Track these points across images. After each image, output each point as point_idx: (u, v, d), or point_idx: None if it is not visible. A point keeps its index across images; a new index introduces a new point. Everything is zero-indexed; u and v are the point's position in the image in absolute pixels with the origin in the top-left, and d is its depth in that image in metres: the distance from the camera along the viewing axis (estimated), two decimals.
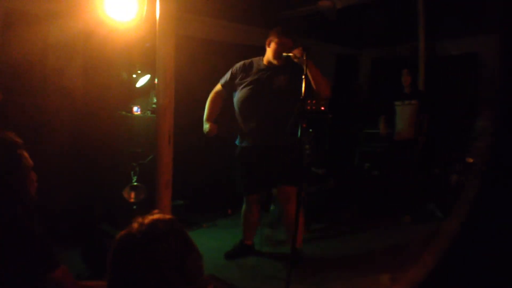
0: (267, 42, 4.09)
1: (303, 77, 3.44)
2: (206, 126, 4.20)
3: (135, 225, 1.44)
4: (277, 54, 4.00)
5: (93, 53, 4.84)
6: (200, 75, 5.46)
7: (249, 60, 4.23)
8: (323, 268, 4.16)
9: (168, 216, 1.50)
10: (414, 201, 5.64)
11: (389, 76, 6.96)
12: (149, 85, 5.37)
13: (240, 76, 4.15)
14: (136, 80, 5.37)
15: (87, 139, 4.85)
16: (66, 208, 4.52)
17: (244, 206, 4.39)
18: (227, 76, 4.24)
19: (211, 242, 4.80)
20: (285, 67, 4.04)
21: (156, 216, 1.48)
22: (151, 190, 3.55)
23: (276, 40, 4.01)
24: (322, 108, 6.43)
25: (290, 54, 3.77)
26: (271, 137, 4.04)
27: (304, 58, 3.61)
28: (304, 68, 3.54)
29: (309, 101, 6.37)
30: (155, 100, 4.07)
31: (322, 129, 6.30)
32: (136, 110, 5.43)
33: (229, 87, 4.24)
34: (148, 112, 5.50)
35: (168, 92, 3.32)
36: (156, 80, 3.38)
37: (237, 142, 4.30)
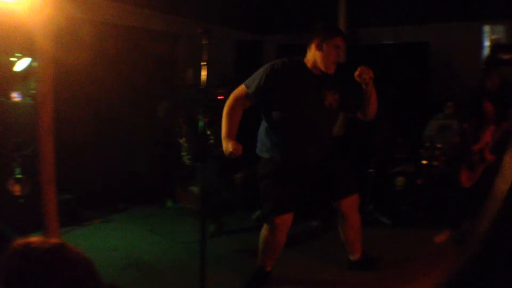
0: (314, 44, 3.30)
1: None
2: (228, 146, 3.21)
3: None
4: (332, 61, 3.28)
5: None
6: (91, 59, 5.07)
7: (287, 60, 3.40)
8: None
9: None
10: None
11: None
12: (29, 69, 4.90)
13: (280, 80, 3.28)
14: (14, 63, 4.86)
15: None
16: None
17: (266, 230, 3.49)
18: (260, 78, 3.31)
19: (107, 241, 4.55)
20: (336, 78, 3.37)
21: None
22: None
23: (332, 42, 3.26)
24: (221, 97, 6.25)
25: (356, 73, 3.19)
26: (313, 155, 3.42)
27: (369, 79, 3.18)
28: (366, 92, 3.25)
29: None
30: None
31: (217, 118, 6.12)
32: (16, 96, 4.92)
33: (262, 93, 3.31)
34: (28, 98, 5.02)
35: (47, 77, 2.98)
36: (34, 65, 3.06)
37: (262, 153, 3.50)
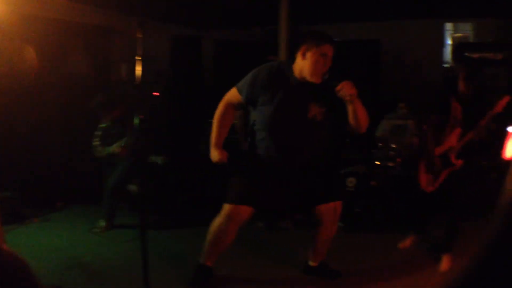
0: (301, 51, 3.15)
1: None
2: (215, 154, 3.22)
3: None
4: (316, 70, 3.12)
5: None
6: (22, 54, 4.91)
7: (275, 66, 3.29)
8: None
9: None
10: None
11: (237, 61, 6.78)
12: None
13: (264, 88, 3.19)
14: None
15: None
16: None
17: (219, 219, 3.31)
18: (248, 85, 3.23)
19: (49, 240, 4.41)
20: (324, 88, 3.15)
21: None
22: None
23: (318, 50, 3.11)
24: (156, 93, 6.21)
25: (337, 87, 3.03)
26: (293, 164, 3.29)
27: (349, 96, 3.04)
28: (349, 108, 3.09)
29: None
30: None
31: (157, 114, 6.06)
32: None
33: (250, 100, 3.26)
34: None
35: None
36: None
37: (244, 145, 3.49)
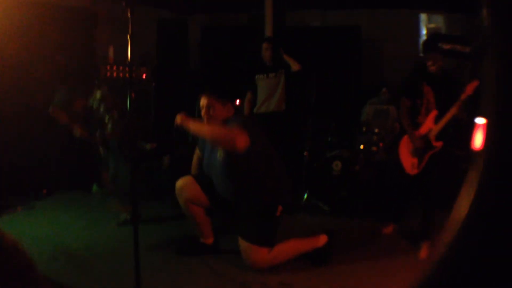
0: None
1: None
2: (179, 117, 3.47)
3: None
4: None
5: None
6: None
7: None
8: None
9: None
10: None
11: (223, 46, 6.75)
12: None
13: None
14: None
15: None
16: None
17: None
18: None
19: (32, 229, 4.36)
20: None
21: None
22: None
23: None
24: (143, 76, 6.15)
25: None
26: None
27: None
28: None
29: (126, 68, 5.95)
30: None
31: (146, 98, 6.03)
32: None
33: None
34: None
35: None
36: None
37: None
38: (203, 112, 3.44)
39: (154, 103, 6.22)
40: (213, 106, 3.42)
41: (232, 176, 3.42)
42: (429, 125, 3.85)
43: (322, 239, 3.62)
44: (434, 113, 3.84)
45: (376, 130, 5.11)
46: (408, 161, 3.96)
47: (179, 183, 3.65)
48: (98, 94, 4.68)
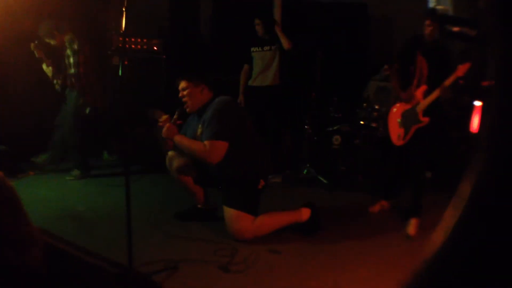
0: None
1: None
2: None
3: None
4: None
5: None
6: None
7: None
8: None
9: None
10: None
11: (233, 18, 6.80)
12: None
13: None
14: None
15: None
16: None
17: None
18: None
19: (40, 192, 4.56)
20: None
21: None
22: None
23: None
24: (155, 48, 6.22)
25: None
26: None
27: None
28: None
29: (138, 40, 6.07)
30: None
31: (156, 70, 6.13)
32: None
33: None
34: None
35: None
36: None
37: None
38: (179, 95, 3.67)
39: (165, 75, 6.30)
40: (187, 89, 3.63)
41: None
42: (418, 98, 3.80)
43: (305, 212, 3.71)
44: (423, 87, 3.77)
45: (377, 106, 5.16)
46: (395, 132, 3.96)
47: (170, 154, 3.84)
48: (75, 45, 4.85)
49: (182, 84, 3.66)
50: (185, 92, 3.65)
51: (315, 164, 5.19)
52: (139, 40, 6.10)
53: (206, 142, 3.45)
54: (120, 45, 5.60)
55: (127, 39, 6.25)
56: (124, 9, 3.06)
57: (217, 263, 3.18)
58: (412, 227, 3.74)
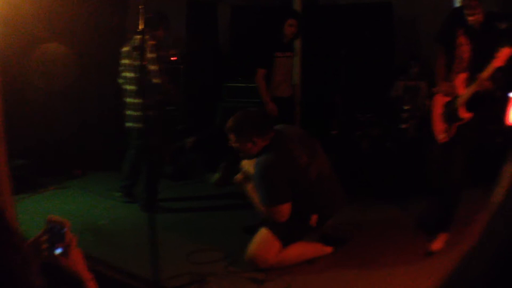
0: None
1: None
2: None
3: None
4: None
5: None
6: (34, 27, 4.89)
7: None
8: None
9: None
10: None
11: (253, 27, 6.67)
12: None
13: None
14: None
15: None
16: None
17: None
18: None
19: (62, 206, 4.50)
20: None
21: None
22: None
23: None
24: (173, 58, 6.12)
25: None
26: None
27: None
28: None
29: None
30: None
31: (174, 81, 5.99)
32: None
33: None
34: None
35: None
36: None
37: None
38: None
39: (182, 86, 6.18)
40: (237, 143, 3.29)
41: None
42: (458, 89, 3.20)
43: (328, 249, 3.43)
44: (463, 75, 3.17)
45: (406, 107, 4.93)
46: (440, 125, 3.35)
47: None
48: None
49: (231, 137, 3.29)
50: (235, 144, 3.30)
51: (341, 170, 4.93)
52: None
53: (266, 209, 3.20)
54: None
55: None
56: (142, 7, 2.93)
57: (248, 277, 3.02)
58: (438, 243, 3.32)
